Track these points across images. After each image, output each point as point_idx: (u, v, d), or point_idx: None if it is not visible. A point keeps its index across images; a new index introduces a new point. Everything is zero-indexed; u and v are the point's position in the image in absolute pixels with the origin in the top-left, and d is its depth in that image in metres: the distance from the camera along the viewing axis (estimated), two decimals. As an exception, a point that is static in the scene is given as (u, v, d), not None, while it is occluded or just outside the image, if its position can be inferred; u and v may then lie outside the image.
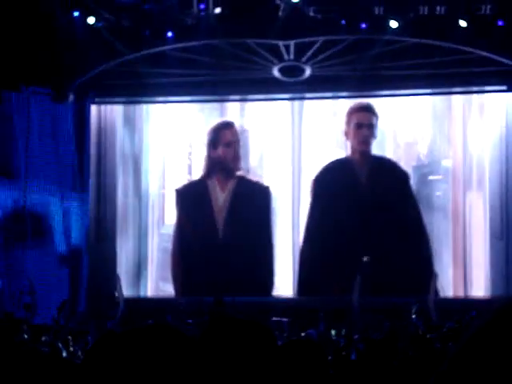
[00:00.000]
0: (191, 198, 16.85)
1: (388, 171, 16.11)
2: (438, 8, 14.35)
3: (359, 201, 15.91)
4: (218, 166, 16.73)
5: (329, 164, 16.25)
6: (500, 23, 14.30)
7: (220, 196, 16.80)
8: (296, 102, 16.43)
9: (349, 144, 16.23)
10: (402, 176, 15.94)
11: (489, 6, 14.23)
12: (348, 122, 16.19)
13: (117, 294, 15.43)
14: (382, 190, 15.88)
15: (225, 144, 16.67)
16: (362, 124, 16.14)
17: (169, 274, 16.40)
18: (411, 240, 15.53)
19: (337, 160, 16.30)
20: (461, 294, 15.40)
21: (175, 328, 1.94)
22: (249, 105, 16.66)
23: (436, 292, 14.89)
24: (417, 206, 15.76)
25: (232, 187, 16.74)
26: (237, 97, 16.58)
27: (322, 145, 16.31)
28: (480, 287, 15.32)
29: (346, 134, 16.26)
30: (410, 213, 15.75)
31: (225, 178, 16.79)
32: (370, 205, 15.78)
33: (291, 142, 16.36)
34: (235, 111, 16.76)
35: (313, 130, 16.35)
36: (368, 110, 16.19)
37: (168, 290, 16.27)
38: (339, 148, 16.30)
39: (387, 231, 15.45)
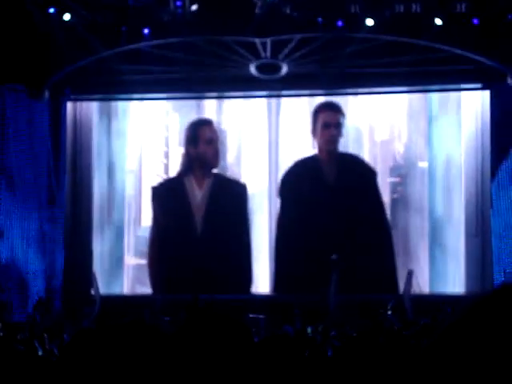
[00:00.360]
0: (168, 195, 16.77)
1: (354, 169, 16.21)
2: (414, 6, 14.42)
3: (327, 199, 15.96)
4: (196, 163, 16.68)
5: (296, 163, 16.33)
6: (475, 21, 14.38)
7: (197, 193, 16.74)
8: (273, 100, 16.42)
9: (316, 143, 16.30)
10: (369, 173, 16.07)
11: (464, 5, 14.31)
12: (314, 122, 16.28)
13: (93, 292, 15.36)
14: (348, 187, 15.99)
15: (205, 141, 16.65)
16: (330, 123, 16.23)
17: (145, 277, 16.31)
18: (377, 237, 15.69)
19: (303, 159, 16.34)
20: (437, 290, 15.47)
21: (150, 325, 1.94)
22: (225, 102, 16.62)
23: (411, 288, 14.96)
24: (381, 203, 15.90)
25: (209, 184, 16.68)
26: (214, 94, 16.55)
27: (299, 142, 16.32)
28: (456, 284, 15.41)
29: (313, 132, 16.32)
30: (375, 210, 15.90)
31: (202, 176, 16.72)
32: (337, 202, 15.87)
33: (268, 139, 16.38)
34: (212, 109, 16.72)
35: (290, 127, 16.37)
36: (335, 108, 16.26)
37: (145, 291, 16.18)
38: (314, 146, 16.35)
39: (356, 229, 15.57)
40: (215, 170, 16.60)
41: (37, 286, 15.34)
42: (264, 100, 16.46)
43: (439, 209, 15.70)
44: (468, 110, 15.65)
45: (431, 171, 15.78)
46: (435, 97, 15.96)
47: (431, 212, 15.71)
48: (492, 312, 0.96)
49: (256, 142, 16.43)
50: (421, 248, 15.66)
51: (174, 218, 16.71)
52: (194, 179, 16.78)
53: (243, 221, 16.37)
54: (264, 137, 16.38)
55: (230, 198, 16.61)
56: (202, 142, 16.65)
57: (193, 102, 16.73)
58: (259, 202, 16.39)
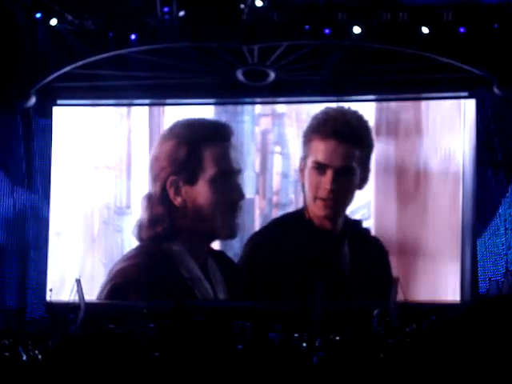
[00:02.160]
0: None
1: (364, 250, 13.97)
2: (401, 14, 14.46)
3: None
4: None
5: (274, 225, 14.18)
6: (462, 30, 14.44)
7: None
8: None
9: (306, 193, 14.01)
10: (382, 254, 14.33)
11: (451, 13, 14.36)
12: (304, 153, 13.99)
13: (78, 299, 15.27)
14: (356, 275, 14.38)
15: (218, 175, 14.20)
16: (325, 165, 13.61)
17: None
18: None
19: (285, 219, 14.01)
20: (429, 298, 15.25)
21: (125, 335, 1.93)
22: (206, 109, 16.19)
23: (397, 296, 14.92)
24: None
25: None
26: (200, 100, 16.38)
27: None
28: (447, 292, 15.25)
29: (301, 172, 14.06)
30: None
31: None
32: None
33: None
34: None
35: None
36: (342, 135, 13.84)
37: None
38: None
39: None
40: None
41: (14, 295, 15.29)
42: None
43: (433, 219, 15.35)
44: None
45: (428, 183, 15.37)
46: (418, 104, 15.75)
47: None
48: (475, 323, 0.97)
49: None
50: (416, 257, 15.36)
51: None
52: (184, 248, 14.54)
53: None
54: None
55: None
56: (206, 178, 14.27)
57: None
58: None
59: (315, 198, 13.63)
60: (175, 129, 15.30)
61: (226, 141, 14.45)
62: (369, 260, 14.00)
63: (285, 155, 14.92)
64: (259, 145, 15.25)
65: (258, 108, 15.99)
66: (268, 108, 15.98)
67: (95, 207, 15.91)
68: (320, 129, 13.99)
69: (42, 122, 15.83)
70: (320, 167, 13.53)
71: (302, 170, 13.71)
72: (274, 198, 14.81)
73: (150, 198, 14.84)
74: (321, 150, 13.64)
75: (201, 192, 14.16)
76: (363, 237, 13.94)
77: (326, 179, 13.47)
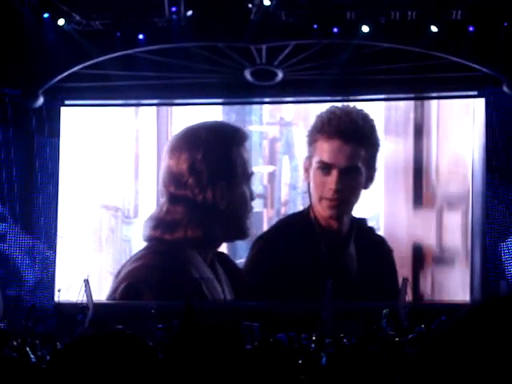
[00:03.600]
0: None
1: (370, 249, 13.93)
2: (410, 13, 14.41)
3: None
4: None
5: (280, 224, 14.14)
6: (471, 29, 14.38)
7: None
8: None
9: (311, 192, 14.00)
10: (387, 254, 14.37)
11: (460, 12, 14.30)
12: (309, 153, 13.92)
13: (86, 299, 15.26)
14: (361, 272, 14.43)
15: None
16: (329, 165, 13.63)
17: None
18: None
19: (289, 219, 14.00)
20: (439, 298, 15.19)
21: (134, 336, 1.91)
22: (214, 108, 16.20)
23: (406, 297, 14.86)
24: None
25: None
26: (209, 100, 16.34)
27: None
28: (458, 292, 15.18)
29: (306, 171, 14.00)
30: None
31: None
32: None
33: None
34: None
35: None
36: (347, 134, 13.81)
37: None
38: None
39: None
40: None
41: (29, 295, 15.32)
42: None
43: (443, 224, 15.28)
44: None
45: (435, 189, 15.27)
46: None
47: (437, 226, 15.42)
48: (482, 323, 0.95)
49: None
50: (426, 257, 15.34)
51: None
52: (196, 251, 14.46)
53: None
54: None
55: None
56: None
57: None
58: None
59: (321, 198, 13.56)
60: (193, 134, 15.22)
61: (244, 143, 14.36)
62: (374, 259, 13.89)
63: (293, 167, 14.92)
64: (267, 158, 15.15)
65: (266, 116, 15.77)
66: (276, 116, 15.80)
67: (103, 211, 15.92)
68: (324, 128, 13.92)
69: (50, 123, 15.83)
70: (325, 167, 13.46)
71: (306, 169, 13.61)
72: (283, 210, 14.82)
73: (172, 201, 14.76)
74: (325, 149, 13.54)
75: (237, 193, 14.16)
76: (368, 236, 13.81)
77: (331, 179, 13.41)
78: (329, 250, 13.70)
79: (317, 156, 13.56)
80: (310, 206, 14.02)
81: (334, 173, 13.29)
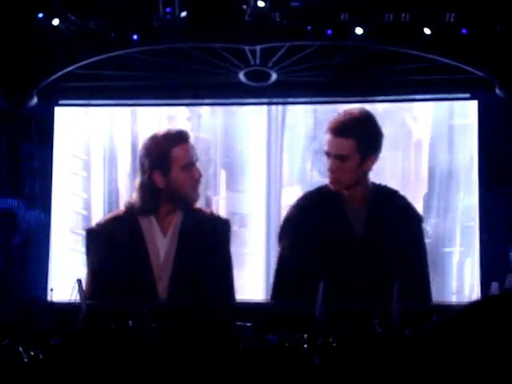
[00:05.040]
0: (111, 243, 14.46)
1: (391, 211, 14.81)
2: (403, 15, 14.44)
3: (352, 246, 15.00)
4: (164, 197, 14.55)
5: (310, 193, 15.03)
6: (464, 32, 14.42)
7: (160, 243, 14.36)
8: (273, 107, 15.82)
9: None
10: (414, 219, 14.91)
11: (453, 14, 14.34)
12: (327, 143, 14.98)
13: (79, 299, 15.24)
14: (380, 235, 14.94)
15: (182, 166, 14.72)
16: (330, 153, 14.95)
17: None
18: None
19: (312, 192, 14.98)
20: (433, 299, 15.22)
21: (127, 333, 1.93)
22: (207, 110, 16.06)
23: (398, 298, 14.88)
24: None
25: (177, 228, 14.28)
26: (201, 101, 16.31)
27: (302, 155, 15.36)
28: (449, 294, 15.21)
29: (328, 154, 15.00)
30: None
31: (168, 215, 14.46)
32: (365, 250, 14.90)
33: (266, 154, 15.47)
34: (186, 117, 15.79)
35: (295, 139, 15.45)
36: (343, 132, 14.95)
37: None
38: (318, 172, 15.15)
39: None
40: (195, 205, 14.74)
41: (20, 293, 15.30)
42: (263, 108, 15.95)
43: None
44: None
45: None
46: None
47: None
48: (474, 322, 0.97)
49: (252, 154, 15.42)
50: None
51: (123, 277, 14.16)
52: (155, 220, 14.56)
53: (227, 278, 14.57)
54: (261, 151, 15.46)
55: (207, 247, 14.23)
56: (176, 168, 14.67)
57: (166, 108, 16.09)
58: (255, 209, 15.41)
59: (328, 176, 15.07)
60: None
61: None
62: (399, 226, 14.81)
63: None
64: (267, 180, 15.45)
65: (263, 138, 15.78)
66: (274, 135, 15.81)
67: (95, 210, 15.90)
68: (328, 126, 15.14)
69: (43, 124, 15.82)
70: (327, 154, 15.00)
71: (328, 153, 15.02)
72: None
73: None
74: (330, 141, 15.04)
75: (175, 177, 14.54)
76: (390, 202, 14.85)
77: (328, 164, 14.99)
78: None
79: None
80: None
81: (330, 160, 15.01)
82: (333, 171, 14.90)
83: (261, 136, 15.65)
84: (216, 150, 15.56)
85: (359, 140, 15.00)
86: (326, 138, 15.07)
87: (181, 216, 14.57)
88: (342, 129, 14.97)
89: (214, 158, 15.46)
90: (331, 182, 15.00)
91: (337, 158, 14.92)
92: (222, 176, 15.39)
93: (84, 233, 15.19)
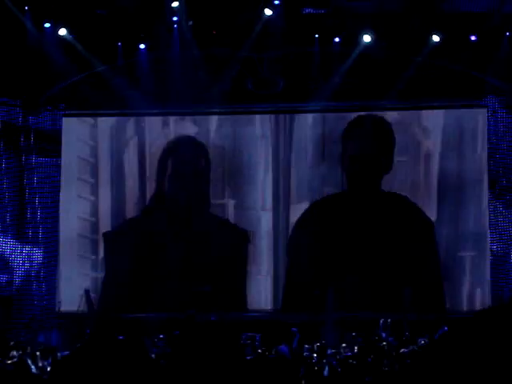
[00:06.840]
0: (129, 244, 15.00)
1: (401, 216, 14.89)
2: (412, 23, 14.40)
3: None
4: (180, 201, 15.09)
5: (317, 203, 15.12)
6: (473, 38, 14.38)
7: (174, 246, 14.90)
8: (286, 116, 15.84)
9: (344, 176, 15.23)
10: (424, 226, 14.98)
11: (462, 22, 14.31)
12: (343, 148, 15.21)
13: (87, 310, 15.22)
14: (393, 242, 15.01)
15: (193, 173, 15.18)
16: (355, 158, 15.18)
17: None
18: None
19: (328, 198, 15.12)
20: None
21: (135, 344, 1.88)
22: (215, 119, 16.04)
23: (410, 307, 14.80)
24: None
25: (193, 232, 14.80)
26: (210, 110, 16.20)
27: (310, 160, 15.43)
28: (463, 303, 15.13)
29: (342, 162, 15.21)
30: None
31: (184, 219, 15.08)
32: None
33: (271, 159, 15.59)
34: (201, 125, 15.94)
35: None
36: (363, 136, 15.16)
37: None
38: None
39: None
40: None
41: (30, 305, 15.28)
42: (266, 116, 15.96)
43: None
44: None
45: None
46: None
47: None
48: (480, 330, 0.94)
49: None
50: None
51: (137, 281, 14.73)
52: (170, 224, 14.95)
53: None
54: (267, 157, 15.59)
55: (221, 253, 14.62)
56: (189, 175, 15.12)
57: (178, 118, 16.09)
58: (263, 218, 15.45)
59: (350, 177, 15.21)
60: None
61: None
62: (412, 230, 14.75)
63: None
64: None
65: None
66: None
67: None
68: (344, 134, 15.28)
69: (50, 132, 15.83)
70: (351, 159, 15.22)
71: (342, 159, 15.24)
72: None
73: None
74: (352, 145, 15.22)
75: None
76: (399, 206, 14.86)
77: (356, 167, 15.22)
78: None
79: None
80: None
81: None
82: (358, 171, 14.98)
83: (267, 145, 15.68)
84: (224, 159, 15.64)
85: (380, 143, 15.13)
86: (349, 142, 15.15)
87: (197, 221, 14.95)
88: (365, 132, 15.08)
89: (221, 166, 15.54)
90: (349, 186, 15.02)
91: (362, 160, 14.99)
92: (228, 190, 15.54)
93: (102, 237, 15.35)
